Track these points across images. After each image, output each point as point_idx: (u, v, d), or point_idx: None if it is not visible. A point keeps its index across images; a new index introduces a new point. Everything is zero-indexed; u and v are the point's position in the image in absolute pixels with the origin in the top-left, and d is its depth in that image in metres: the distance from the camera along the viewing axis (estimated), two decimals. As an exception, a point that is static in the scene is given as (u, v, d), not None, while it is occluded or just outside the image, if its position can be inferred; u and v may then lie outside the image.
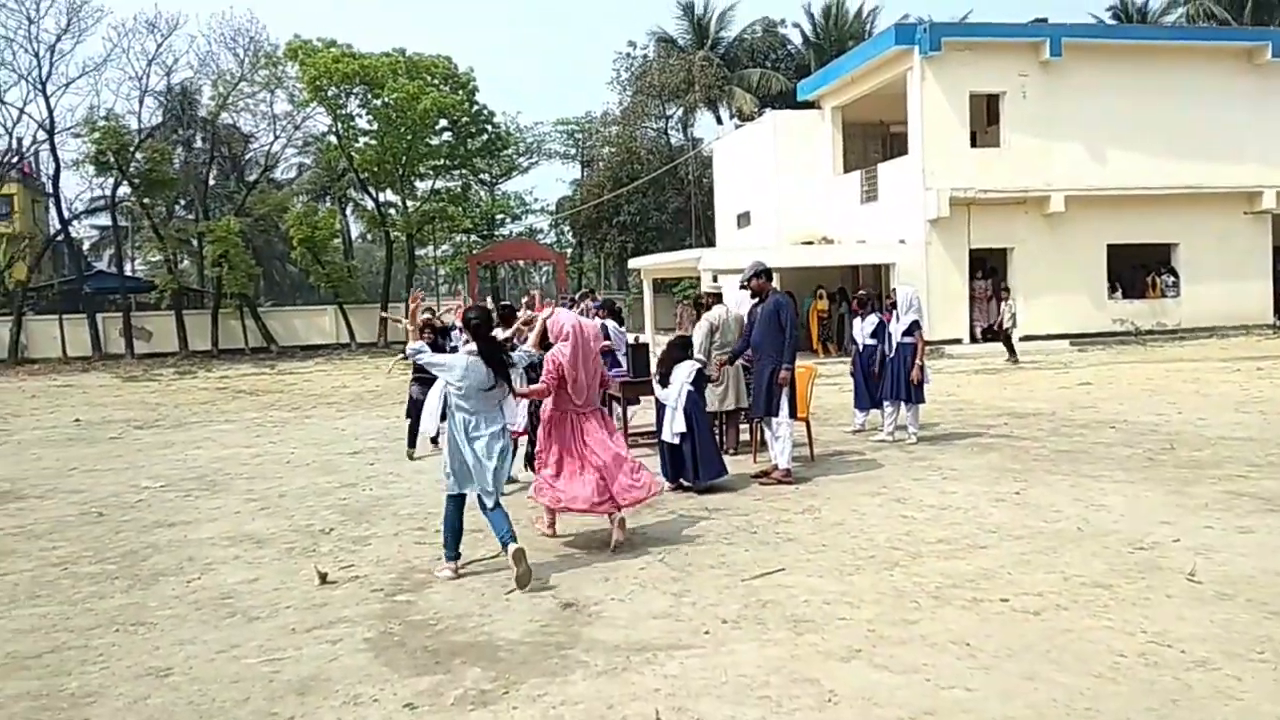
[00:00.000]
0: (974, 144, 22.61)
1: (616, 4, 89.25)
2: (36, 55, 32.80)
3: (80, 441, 13.10)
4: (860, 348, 11.11)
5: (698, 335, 9.53)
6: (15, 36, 32.45)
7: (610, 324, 10.75)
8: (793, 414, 8.41)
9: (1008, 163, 21.98)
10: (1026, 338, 22.02)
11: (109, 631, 5.14)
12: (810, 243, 24.65)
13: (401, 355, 9.61)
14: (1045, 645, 4.49)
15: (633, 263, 28.76)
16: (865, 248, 23.25)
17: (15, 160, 35.59)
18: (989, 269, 22.73)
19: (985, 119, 23.46)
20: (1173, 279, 23.89)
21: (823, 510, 7.27)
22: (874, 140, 26.99)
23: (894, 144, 25.87)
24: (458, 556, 5.93)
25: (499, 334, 6.65)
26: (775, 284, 9.83)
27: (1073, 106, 22.02)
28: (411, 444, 10.44)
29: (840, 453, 9.76)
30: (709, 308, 9.93)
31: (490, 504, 5.77)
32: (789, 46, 43.70)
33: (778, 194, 26.13)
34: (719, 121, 41.16)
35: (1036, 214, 22.34)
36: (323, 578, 5.82)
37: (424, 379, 9.49)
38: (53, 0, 33.46)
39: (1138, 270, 23.86)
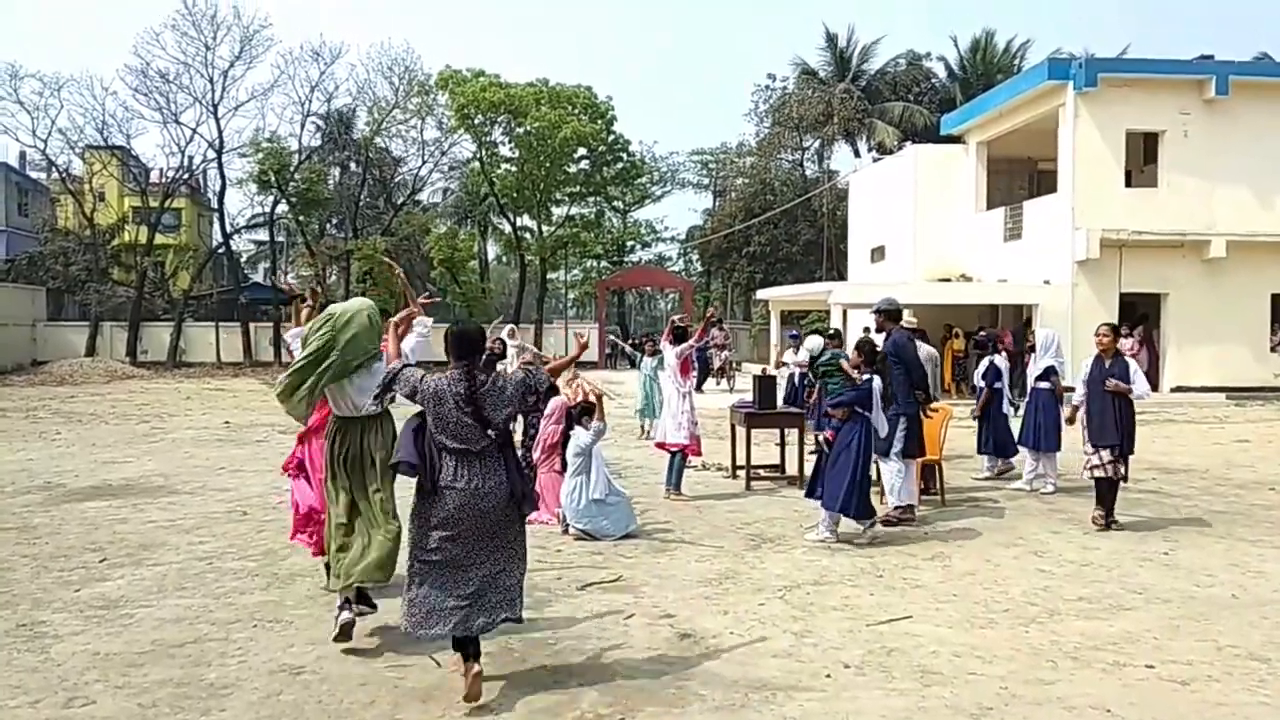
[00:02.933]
0: (1128, 184, 21.60)
1: (759, 36, 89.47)
2: (210, 80, 35.19)
3: (229, 443, 13.83)
4: (978, 390, 10.99)
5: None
6: (193, 62, 34.91)
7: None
8: (912, 454, 8.18)
9: (1165, 204, 20.90)
10: (1178, 389, 20.82)
11: (247, 626, 5.37)
12: (948, 280, 24.00)
13: None
14: (1194, 718, 4.19)
15: (760, 293, 28.60)
16: (1007, 287, 22.48)
17: (185, 177, 38.06)
18: (1140, 316, 21.59)
19: (1141, 158, 22.39)
20: (1344, 333, 22.22)
21: (953, 558, 7.00)
22: (1020, 177, 26.12)
23: (1041, 182, 24.97)
24: None
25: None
26: (913, 321, 9.57)
27: (1238, 147, 20.80)
28: None
29: (974, 499, 9.40)
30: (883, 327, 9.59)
31: None
32: (933, 80, 42.84)
33: (915, 229, 25.57)
34: (857, 155, 40.69)
35: (1195, 259, 21.15)
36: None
37: None
38: (228, 30, 35.13)
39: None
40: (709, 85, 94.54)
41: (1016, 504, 9.15)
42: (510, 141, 37.71)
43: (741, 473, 10.12)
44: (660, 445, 9.64)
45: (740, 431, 10.21)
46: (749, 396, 10.48)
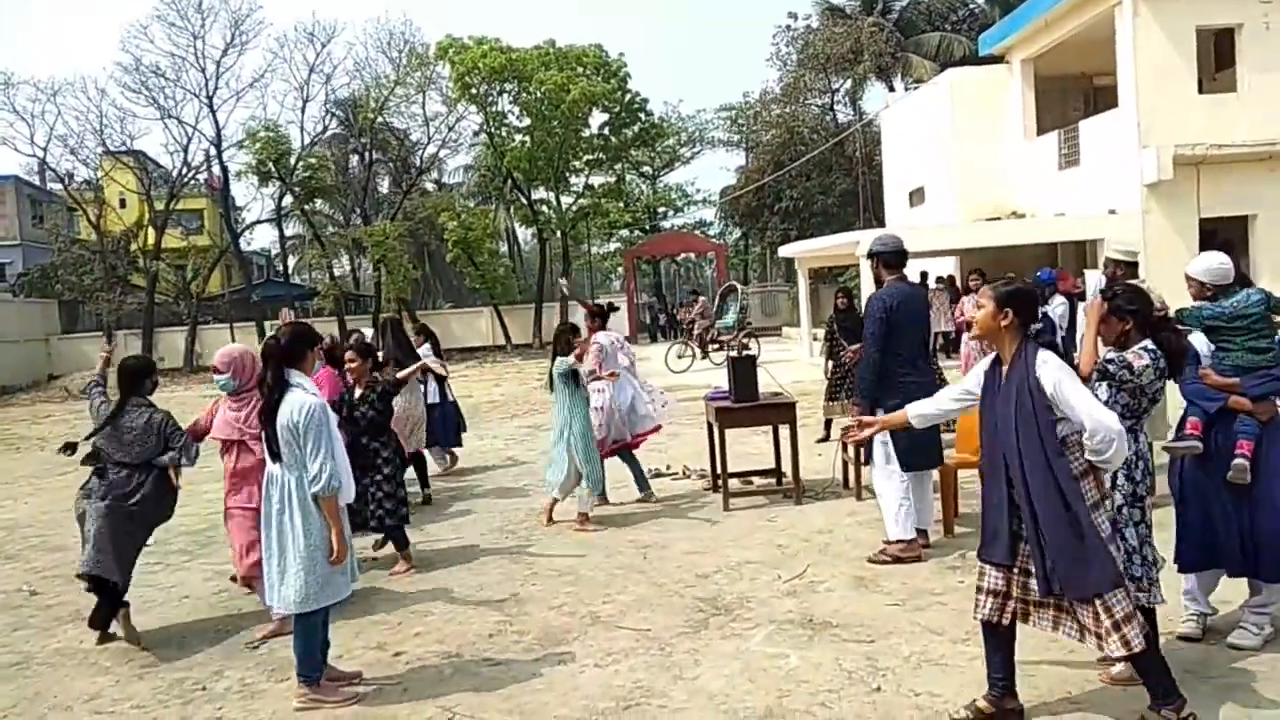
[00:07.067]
0: (1202, 91, 18.52)
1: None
2: (203, 71, 33.46)
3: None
4: None
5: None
6: (185, 54, 33.14)
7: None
8: (917, 464, 5.78)
9: (1247, 111, 17.78)
10: (1277, 325, 17.85)
11: None
12: (997, 219, 21.17)
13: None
14: None
15: (783, 250, 25.90)
16: (1065, 221, 19.60)
17: (186, 176, 36.39)
18: (1221, 243, 18.59)
19: (1214, 61, 19.28)
20: None
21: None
22: (1074, 96, 23.03)
23: (1099, 100, 21.91)
24: None
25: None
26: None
27: (1334, 37, 17.63)
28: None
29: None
30: (1118, 279, 6.32)
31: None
32: (971, 5, 39.41)
33: (956, 164, 22.69)
34: (891, 91, 37.50)
35: (1286, 173, 18.08)
36: None
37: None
38: (215, 16, 33.26)
39: None
40: (732, 35, 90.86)
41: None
42: (519, 110, 35.41)
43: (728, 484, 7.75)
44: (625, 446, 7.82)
45: (722, 430, 7.82)
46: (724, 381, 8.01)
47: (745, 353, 7.56)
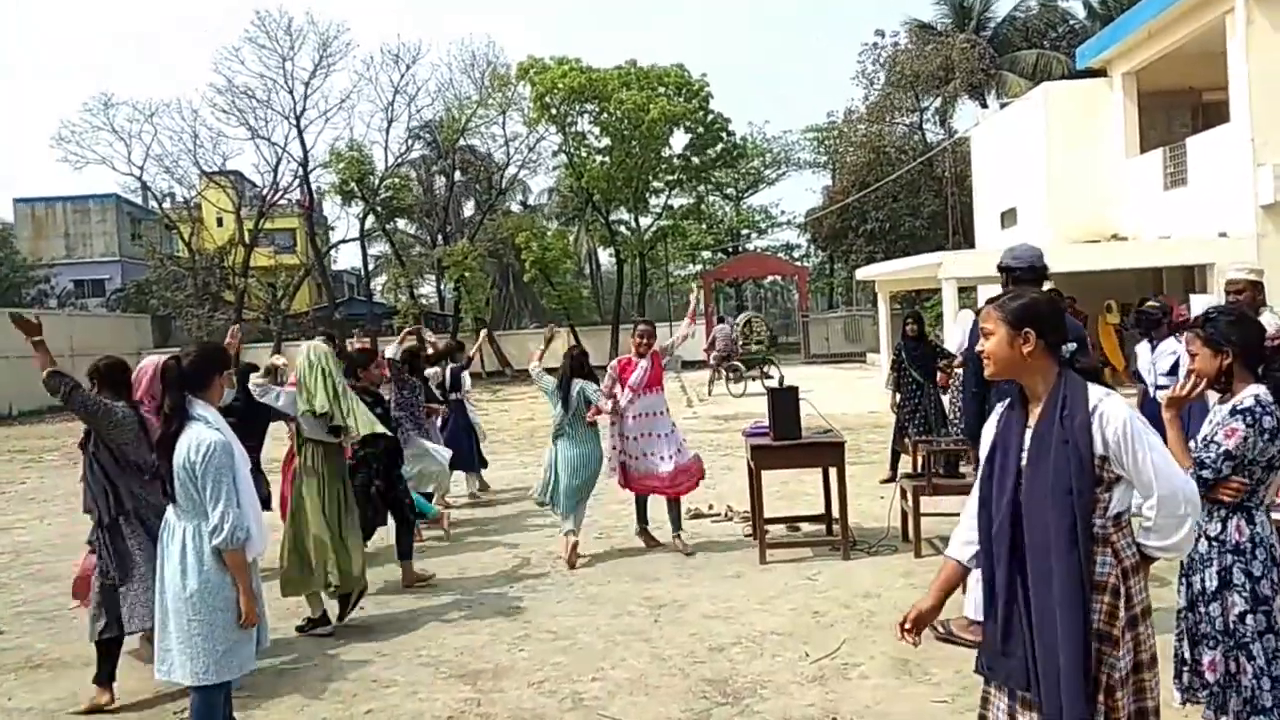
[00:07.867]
0: (1326, 103, 16.96)
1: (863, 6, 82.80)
2: (291, 92, 33.98)
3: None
4: (1151, 390, 7.13)
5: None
6: (275, 75, 33.71)
7: None
8: None
9: (1377, 125, 16.20)
10: None
11: None
12: (1095, 241, 19.79)
13: None
14: None
15: (860, 273, 24.77)
16: (1170, 245, 18.15)
17: (274, 196, 37.00)
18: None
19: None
20: None
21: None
22: (1180, 111, 21.47)
23: (1208, 115, 20.36)
24: None
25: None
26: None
27: None
28: None
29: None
30: (1246, 302, 5.43)
31: None
32: (1071, 21, 37.64)
33: (1051, 184, 21.33)
34: (985, 109, 35.98)
35: None
36: None
37: None
38: (303, 38, 33.70)
39: None
40: (821, 55, 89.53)
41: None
42: (598, 129, 35.09)
43: (769, 529, 6.92)
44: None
45: (759, 471, 6.99)
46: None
47: (768, 383, 6.73)
